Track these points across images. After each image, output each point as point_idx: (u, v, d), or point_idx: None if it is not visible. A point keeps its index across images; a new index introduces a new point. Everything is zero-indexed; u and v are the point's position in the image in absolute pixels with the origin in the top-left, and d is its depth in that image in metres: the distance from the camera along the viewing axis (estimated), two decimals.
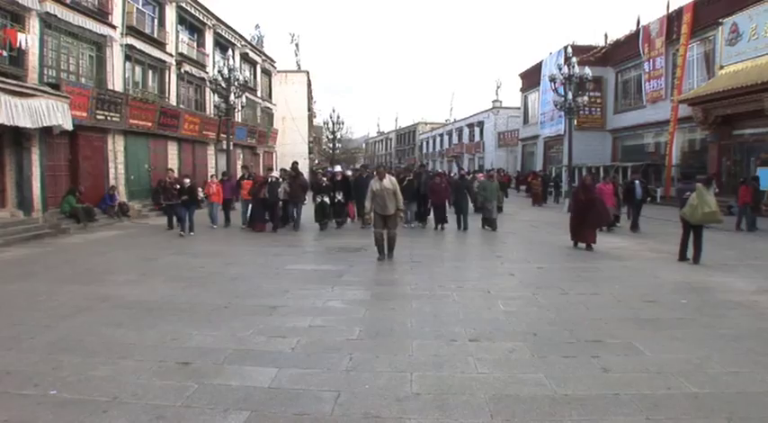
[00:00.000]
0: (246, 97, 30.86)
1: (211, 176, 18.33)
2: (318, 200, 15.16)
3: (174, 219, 15.19)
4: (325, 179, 15.89)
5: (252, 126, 33.55)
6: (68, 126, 15.27)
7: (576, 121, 25.67)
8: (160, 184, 15.75)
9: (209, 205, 16.90)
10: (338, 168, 18.56)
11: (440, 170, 33.30)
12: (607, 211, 12.87)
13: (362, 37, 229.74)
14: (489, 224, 15.53)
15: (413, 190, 15.26)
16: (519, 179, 38.57)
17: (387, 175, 10.62)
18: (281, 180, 15.48)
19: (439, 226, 15.49)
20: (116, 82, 19.07)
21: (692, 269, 9.55)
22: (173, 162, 23.39)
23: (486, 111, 52.06)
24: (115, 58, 19.06)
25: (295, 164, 16.89)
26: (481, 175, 21.26)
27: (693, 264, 9.91)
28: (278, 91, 41.57)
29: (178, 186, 14.72)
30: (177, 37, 24.21)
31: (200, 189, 21.91)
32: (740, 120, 20.46)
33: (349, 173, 19.46)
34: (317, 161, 50.34)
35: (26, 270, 9.04)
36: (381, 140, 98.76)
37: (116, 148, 19.35)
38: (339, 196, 15.64)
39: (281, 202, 15.36)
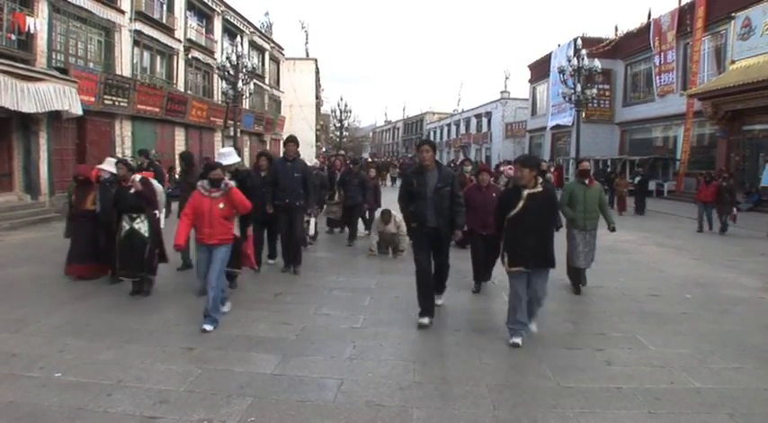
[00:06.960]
0: (254, 84, 30.68)
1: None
2: (126, 227, 6.64)
3: None
4: (132, 179, 6.61)
5: (259, 113, 33.60)
6: (78, 111, 15.25)
7: (584, 114, 25.45)
8: None
9: None
10: (231, 158, 6.89)
11: (470, 157, 18.54)
12: None
13: (372, 26, 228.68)
14: (575, 277, 7.41)
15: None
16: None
17: (392, 218, 8.82)
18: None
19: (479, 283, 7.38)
20: (124, 67, 19.04)
21: (697, 264, 9.49)
22: (180, 148, 23.41)
23: (494, 101, 51.66)
24: (123, 43, 19.02)
25: (270, 152, 9.66)
26: (508, 167, 11.77)
27: None
28: (286, 78, 41.49)
29: None
30: (186, 23, 24.16)
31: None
32: (750, 115, 20.25)
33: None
34: (323, 149, 50.10)
35: (32, 253, 9.08)
36: (389, 129, 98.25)
37: (123, 133, 19.35)
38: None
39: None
